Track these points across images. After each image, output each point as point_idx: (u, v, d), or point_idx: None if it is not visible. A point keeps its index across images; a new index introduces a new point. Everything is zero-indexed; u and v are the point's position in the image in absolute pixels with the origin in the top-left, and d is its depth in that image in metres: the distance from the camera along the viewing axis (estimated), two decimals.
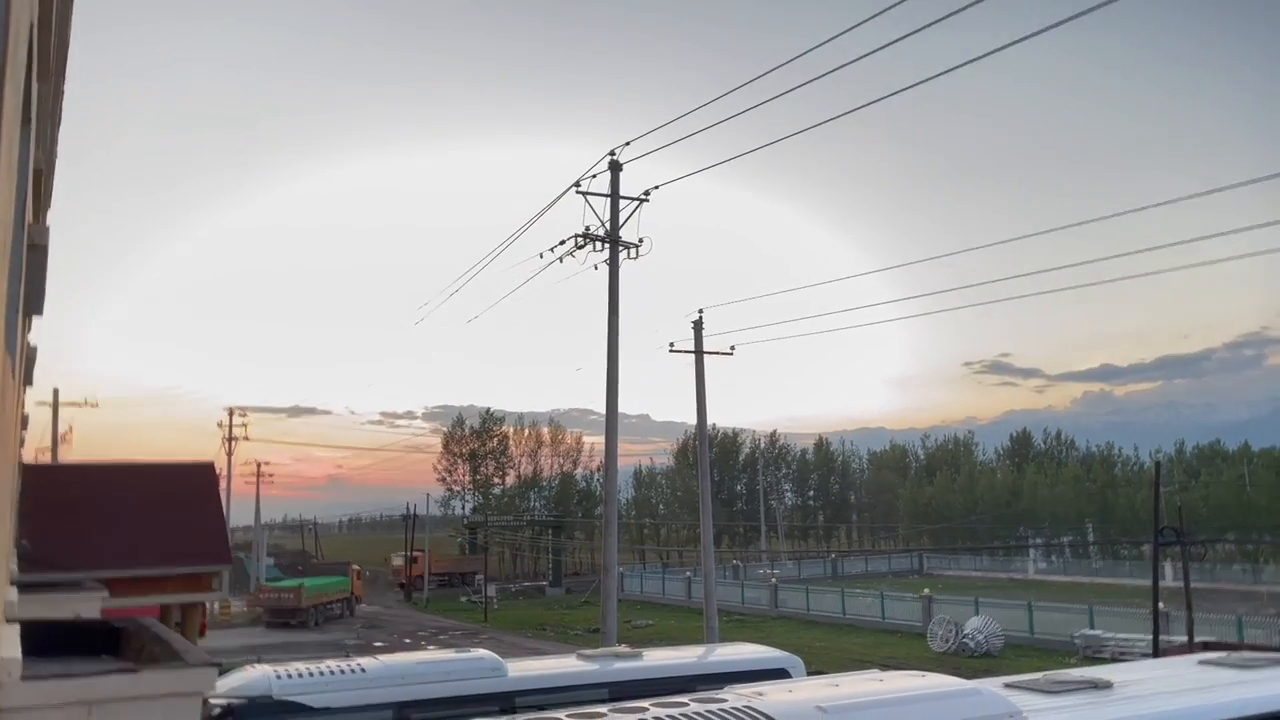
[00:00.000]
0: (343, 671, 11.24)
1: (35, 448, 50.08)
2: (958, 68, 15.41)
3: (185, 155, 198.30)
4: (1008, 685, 8.82)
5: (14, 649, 4.74)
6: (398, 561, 74.04)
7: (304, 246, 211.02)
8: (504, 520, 78.03)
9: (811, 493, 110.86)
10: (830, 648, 37.47)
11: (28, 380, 10.02)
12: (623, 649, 13.81)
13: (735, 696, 7.79)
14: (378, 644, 41.21)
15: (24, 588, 11.16)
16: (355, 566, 66.82)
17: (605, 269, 21.68)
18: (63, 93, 5.66)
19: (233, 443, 63.87)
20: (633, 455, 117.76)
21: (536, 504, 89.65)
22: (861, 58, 14.88)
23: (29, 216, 4.14)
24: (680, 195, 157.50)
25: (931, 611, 41.63)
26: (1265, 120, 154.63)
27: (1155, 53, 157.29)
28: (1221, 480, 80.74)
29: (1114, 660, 29.36)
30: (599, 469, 76.72)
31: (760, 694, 7.85)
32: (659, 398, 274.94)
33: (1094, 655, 33.20)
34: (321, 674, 11.09)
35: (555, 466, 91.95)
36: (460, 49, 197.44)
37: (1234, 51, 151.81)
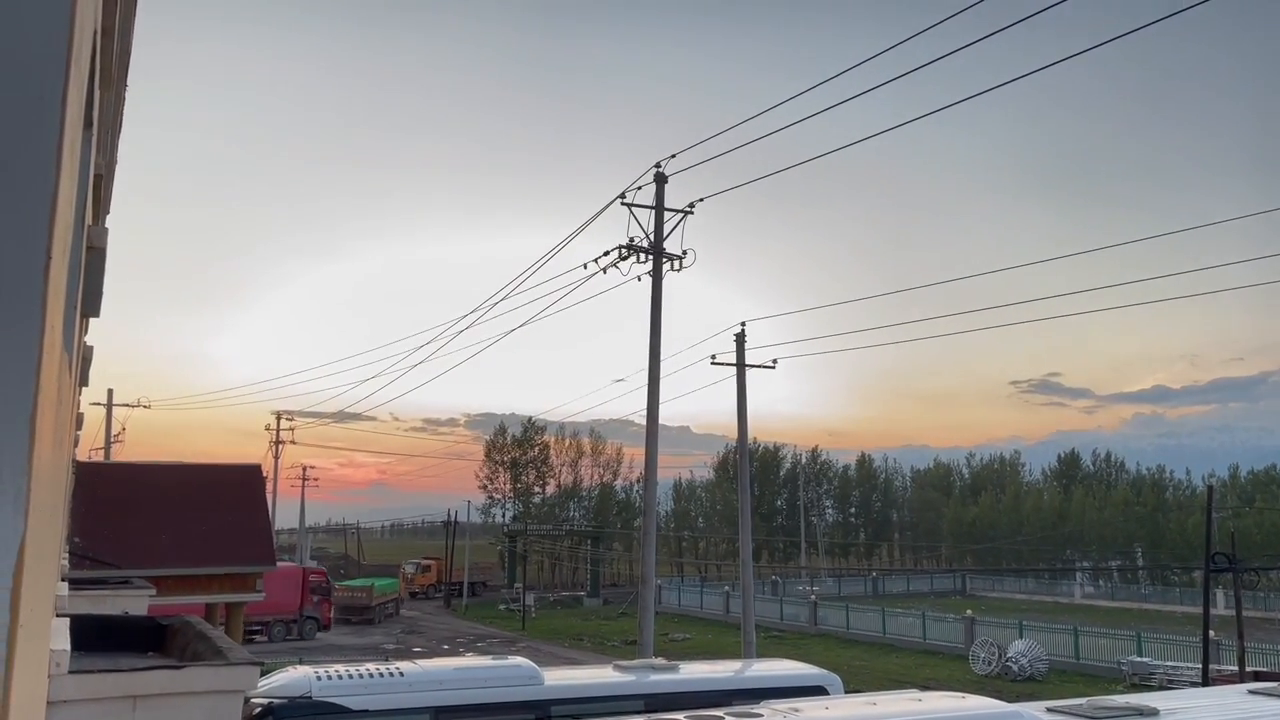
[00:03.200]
0: (381, 675, 11.36)
1: (89, 447, 51.50)
2: (1007, 84, 15.27)
3: (243, 164, 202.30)
4: (1050, 710, 8.66)
5: (63, 642, 4.86)
6: (409, 569, 74.62)
7: (353, 254, 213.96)
8: (543, 529, 78.36)
9: (853, 509, 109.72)
10: (870, 667, 37.06)
11: (83, 380, 10.27)
12: (659, 661, 13.78)
13: (771, 712, 7.75)
14: (416, 649, 41.56)
15: (75, 584, 11.44)
16: (403, 569, 68.14)
17: (649, 280, 21.73)
18: (124, 99, 5.80)
19: (279, 446, 64.87)
20: (672, 467, 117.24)
21: (576, 514, 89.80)
22: (916, 69, 14.82)
23: (89, 219, 4.25)
24: (727, 208, 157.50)
25: (974, 633, 41.02)
26: None
27: (1221, 62, 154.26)
28: (1276, 506, 78.66)
29: (1162, 688, 28.71)
30: (639, 480, 76.70)
31: (797, 710, 7.81)
32: (700, 410, 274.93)
33: (1141, 682, 32.51)
34: (360, 676, 11.22)
35: (595, 477, 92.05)
36: (507, 68, 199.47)
37: None
